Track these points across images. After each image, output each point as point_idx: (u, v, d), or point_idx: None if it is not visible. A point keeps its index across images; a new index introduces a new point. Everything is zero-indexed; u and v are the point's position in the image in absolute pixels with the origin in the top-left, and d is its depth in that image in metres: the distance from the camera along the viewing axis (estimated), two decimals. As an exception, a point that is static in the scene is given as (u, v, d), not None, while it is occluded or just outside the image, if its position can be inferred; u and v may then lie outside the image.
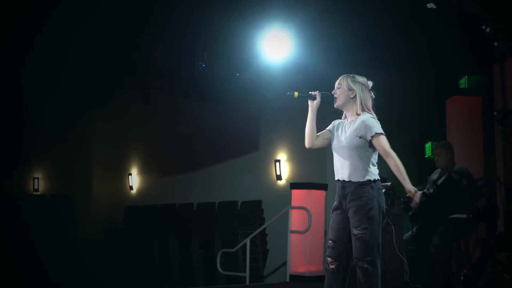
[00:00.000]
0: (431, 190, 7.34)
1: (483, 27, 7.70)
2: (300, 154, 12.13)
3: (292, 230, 9.91)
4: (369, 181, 4.78)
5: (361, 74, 5.07)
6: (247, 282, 10.28)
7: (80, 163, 17.48)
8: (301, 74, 10.36)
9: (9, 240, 13.90)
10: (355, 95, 4.92)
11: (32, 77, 13.42)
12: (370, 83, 5.00)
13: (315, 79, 10.39)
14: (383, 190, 5.96)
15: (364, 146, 4.83)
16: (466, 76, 9.72)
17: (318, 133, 5.04)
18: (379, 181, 4.87)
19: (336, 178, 4.96)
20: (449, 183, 7.30)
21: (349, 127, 4.90)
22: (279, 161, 12.69)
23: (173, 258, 13.98)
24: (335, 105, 5.00)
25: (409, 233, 7.50)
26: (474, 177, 7.69)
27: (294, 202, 10.02)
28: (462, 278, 7.29)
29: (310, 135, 5.00)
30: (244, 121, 13.52)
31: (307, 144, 5.04)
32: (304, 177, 11.45)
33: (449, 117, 9.66)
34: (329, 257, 4.90)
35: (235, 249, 10.73)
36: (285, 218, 10.14)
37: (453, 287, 7.22)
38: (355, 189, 4.77)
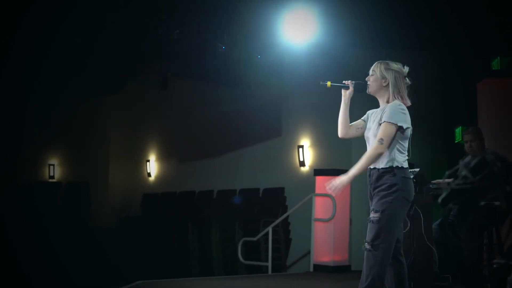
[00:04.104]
0: (463, 173, 7.08)
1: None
2: (324, 140, 12.05)
3: (316, 218, 9.89)
4: (391, 167, 4.70)
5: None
6: (269, 272, 10.29)
7: (96, 150, 17.55)
8: (324, 56, 10.31)
9: (25, 228, 13.97)
10: (388, 84, 4.85)
11: (47, 63, 13.45)
12: (405, 69, 4.90)
13: (338, 61, 10.27)
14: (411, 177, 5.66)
15: None
16: (499, 57, 9.49)
17: (352, 123, 5.06)
18: (405, 170, 4.76)
19: None
20: (482, 166, 7.05)
21: (378, 115, 4.85)
22: (302, 146, 12.61)
23: (192, 247, 14.00)
24: (367, 91, 4.96)
25: (439, 221, 7.31)
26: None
27: (318, 189, 9.96)
28: (494, 267, 7.00)
29: (342, 125, 5.03)
30: (266, 105, 13.45)
31: (339, 134, 5.07)
32: (329, 163, 11.36)
33: (480, 100, 9.46)
34: None
35: (256, 238, 10.80)
36: (309, 206, 10.13)
37: (484, 277, 7.04)
38: (377, 176, 4.73)
